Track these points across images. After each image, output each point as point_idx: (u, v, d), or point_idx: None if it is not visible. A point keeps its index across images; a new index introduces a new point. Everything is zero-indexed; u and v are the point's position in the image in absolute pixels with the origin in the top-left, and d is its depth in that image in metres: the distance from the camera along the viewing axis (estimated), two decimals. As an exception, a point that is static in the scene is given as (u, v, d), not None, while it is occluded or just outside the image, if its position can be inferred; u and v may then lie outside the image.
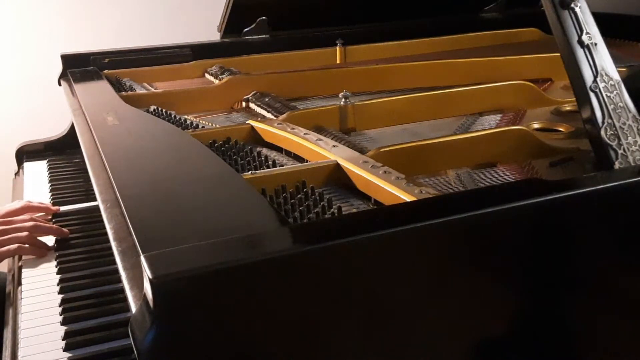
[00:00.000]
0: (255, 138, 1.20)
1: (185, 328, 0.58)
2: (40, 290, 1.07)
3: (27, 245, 1.16)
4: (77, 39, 2.43)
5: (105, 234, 0.82)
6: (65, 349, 0.91)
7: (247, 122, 1.24)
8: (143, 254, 0.60)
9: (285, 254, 0.62)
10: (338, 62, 1.83)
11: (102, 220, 0.86)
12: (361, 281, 0.65)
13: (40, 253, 1.17)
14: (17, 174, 1.66)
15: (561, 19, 0.91)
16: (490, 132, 1.10)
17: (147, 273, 0.57)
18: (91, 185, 1.00)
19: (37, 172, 1.60)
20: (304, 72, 1.61)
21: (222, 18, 1.83)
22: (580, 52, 0.90)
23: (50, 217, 1.31)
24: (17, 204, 1.30)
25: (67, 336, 0.93)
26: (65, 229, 1.23)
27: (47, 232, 1.21)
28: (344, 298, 0.65)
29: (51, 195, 1.43)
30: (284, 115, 1.25)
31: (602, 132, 0.88)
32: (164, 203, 0.79)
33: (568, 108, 1.31)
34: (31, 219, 1.21)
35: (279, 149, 1.14)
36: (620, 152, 0.87)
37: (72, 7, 2.49)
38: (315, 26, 1.93)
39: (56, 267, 1.13)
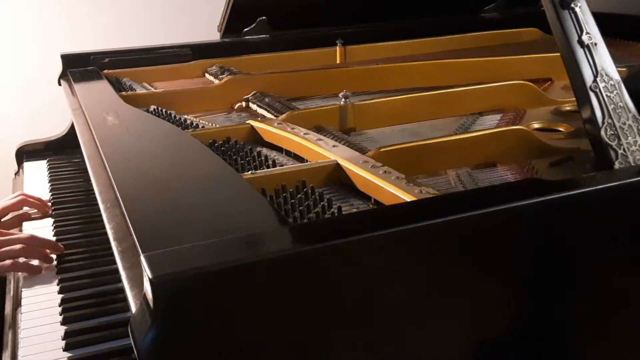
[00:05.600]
0: (255, 138, 1.20)
1: (185, 328, 0.58)
2: (40, 290, 1.07)
3: (21, 261, 1.11)
4: (77, 39, 2.43)
5: (105, 233, 0.82)
6: (65, 349, 0.91)
7: (247, 122, 1.24)
8: (143, 254, 0.61)
9: (285, 254, 0.62)
10: (338, 62, 1.83)
11: (102, 220, 0.87)
12: (361, 281, 0.65)
13: (35, 269, 1.12)
14: (17, 173, 1.66)
15: (561, 19, 0.91)
16: (490, 132, 1.10)
17: (147, 273, 0.57)
18: (91, 185, 1.00)
19: (37, 172, 1.60)
20: (304, 72, 1.61)
21: (222, 18, 1.83)
22: (580, 52, 0.90)
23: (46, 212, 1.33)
24: (14, 199, 1.30)
25: (67, 336, 0.93)
26: (60, 245, 1.17)
27: (42, 245, 1.15)
28: (344, 298, 0.65)
29: (51, 195, 1.43)
30: (284, 115, 1.25)
31: (602, 132, 0.88)
32: (164, 203, 0.79)
33: (568, 108, 1.31)
34: (28, 235, 1.16)
35: (279, 149, 1.14)
36: (620, 152, 0.87)
37: (72, 7, 2.50)
38: (315, 26, 1.93)
39: (56, 267, 1.13)
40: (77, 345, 0.91)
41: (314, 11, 1.88)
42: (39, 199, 1.36)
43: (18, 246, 1.11)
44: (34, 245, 1.14)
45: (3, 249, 1.11)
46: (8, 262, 1.10)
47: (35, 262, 1.14)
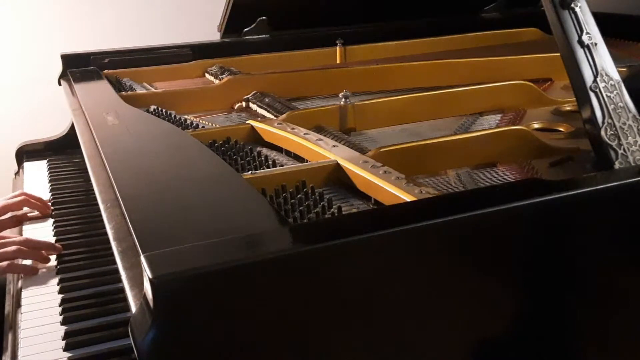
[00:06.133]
0: (255, 138, 1.20)
1: (185, 328, 0.58)
2: (40, 290, 1.07)
3: (18, 263, 1.11)
4: (77, 39, 2.43)
5: (105, 233, 0.82)
6: (65, 349, 0.91)
7: (247, 122, 1.24)
8: (143, 254, 0.61)
9: (285, 254, 0.62)
10: (338, 62, 1.83)
11: (102, 220, 0.87)
12: (361, 281, 0.65)
13: (32, 270, 1.11)
14: (17, 173, 1.66)
15: (561, 19, 0.91)
16: (490, 132, 1.10)
17: (147, 273, 0.57)
18: (91, 185, 1.00)
19: (37, 172, 1.60)
20: (304, 72, 1.61)
21: (222, 18, 1.83)
22: (580, 52, 0.90)
23: (47, 213, 1.32)
24: (15, 199, 1.30)
25: (67, 336, 0.93)
26: (58, 245, 1.17)
27: (38, 247, 1.15)
28: (344, 298, 0.65)
29: (51, 195, 1.43)
30: (284, 115, 1.25)
31: (602, 132, 0.88)
32: (163, 203, 0.79)
33: (568, 108, 1.31)
34: (24, 241, 1.15)
35: (279, 149, 1.14)
36: (620, 152, 0.87)
37: (72, 7, 2.50)
38: (315, 26, 1.93)
39: (56, 267, 1.13)
40: (77, 346, 0.91)
41: (314, 11, 1.88)
42: (40, 199, 1.35)
43: (13, 248, 1.11)
44: (30, 247, 1.14)
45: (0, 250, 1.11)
46: (4, 263, 1.10)
47: (31, 263, 1.14)
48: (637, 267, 0.82)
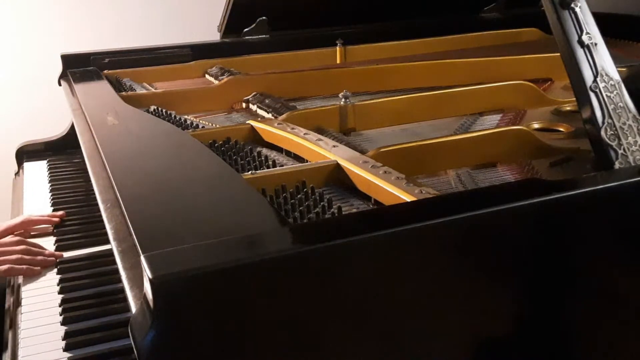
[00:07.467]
0: (255, 138, 1.20)
1: (185, 328, 0.58)
2: (41, 290, 1.07)
3: (17, 266, 1.11)
4: (77, 39, 2.43)
5: (105, 234, 0.82)
6: (66, 349, 0.91)
7: (247, 122, 1.24)
8: (143, 254, 0.61)
9: (285, 254, 0.62)
10: (338, 62, 1.83)
11: (102, 220, 0.87)
12: (361, 281, 0.65)
13: (32, 273, 1.12)
14: (17, 174, 1.66)
15: (561, 19, 0.91)
16: (490, 132, 1.10)
17: (147, 273, 0.57)
18: (91, 185, 1.00)
19: (37, 172, 1.60)
20: (304, 72, 1.61)
21: (222, 18, 1.83)
22: (580, 52, 0.90)
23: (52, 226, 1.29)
24: (17, 220, 1.26)
25: (67, 336, 0.93)
26: (57, 252, 1.17)
27: (37, 254, 1.15)
28: (343, 298, 0.65)
29: (51, 195, 1.43)
30: (284, 116, 1.25)
31: (602, 132, 0.88)
32: (163, 203, 0.79)
33: (568, 108, 1.31)
34: (21, 241, 1.16)
35: (279, 149, 1.14)
36: (620, 152, 0.87)
37: (72, 7, 2.50)
38: (315, 26, 1.93)
39: (56, 267, 1.13)
40: (77, 346, 0.91)
41: (314, 11, 1.88)
42: (45, 221, 1.29)
43: (14, 256, 1.12)
44: (30, 253, 1.14)
45: (1, 258, 1.11)
46: (4, 267, 1.10)
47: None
48: (637, 267, 0.82)
